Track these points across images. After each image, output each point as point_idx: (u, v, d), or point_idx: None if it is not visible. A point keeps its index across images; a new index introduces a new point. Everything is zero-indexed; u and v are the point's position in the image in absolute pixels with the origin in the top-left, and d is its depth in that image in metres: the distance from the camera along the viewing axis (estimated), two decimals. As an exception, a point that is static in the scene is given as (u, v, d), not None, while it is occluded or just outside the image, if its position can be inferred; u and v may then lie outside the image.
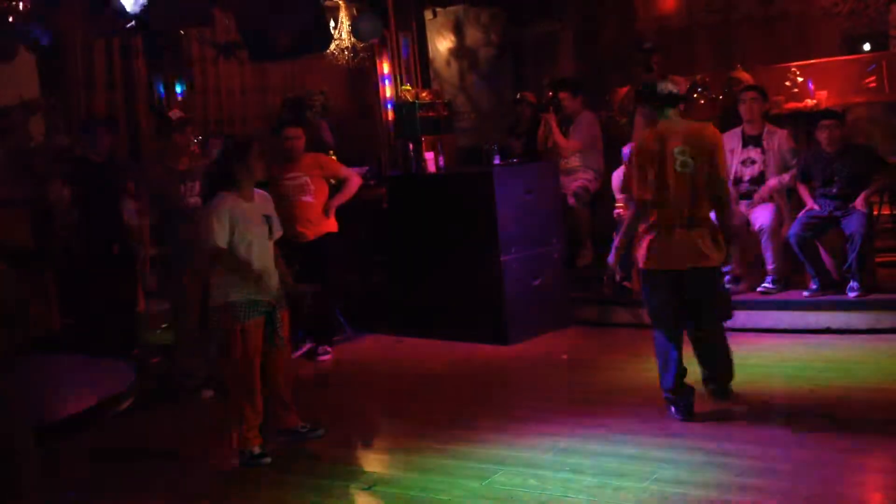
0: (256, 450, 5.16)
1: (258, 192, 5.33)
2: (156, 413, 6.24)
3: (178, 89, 8.97)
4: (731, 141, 7.26)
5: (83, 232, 6.90)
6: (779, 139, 7.21)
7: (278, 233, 5.36)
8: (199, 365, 6.61)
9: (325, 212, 7.30)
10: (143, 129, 9.22)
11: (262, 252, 5.19)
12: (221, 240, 5.07)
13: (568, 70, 10.27)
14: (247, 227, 5.13)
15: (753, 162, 7.23)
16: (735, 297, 7.05)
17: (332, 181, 7.48)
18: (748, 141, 7.26)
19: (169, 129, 6.69)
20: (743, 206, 7.25)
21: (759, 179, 7.22)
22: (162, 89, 8.94)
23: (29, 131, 7.56)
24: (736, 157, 7.25)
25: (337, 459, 5.20)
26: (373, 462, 5.18)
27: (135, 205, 7.18)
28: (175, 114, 6.55)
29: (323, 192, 7.34)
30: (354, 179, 7.45)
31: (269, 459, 5.14)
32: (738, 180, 7.27)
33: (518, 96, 9.54)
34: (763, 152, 7.22)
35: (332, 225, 7.35)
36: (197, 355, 6.61)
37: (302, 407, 5.54)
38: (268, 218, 5.28)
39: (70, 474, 5.24)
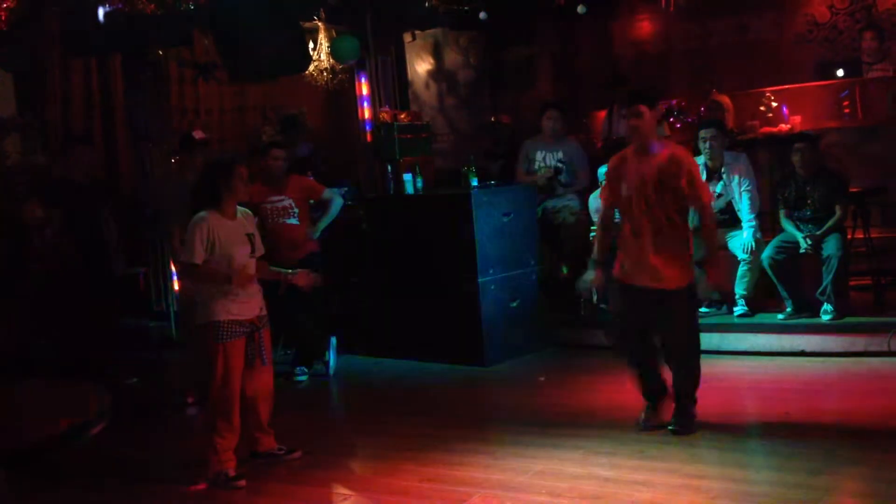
0: (231, 472, 5.12)
1: (240, 209, 5.33)
2: (130, 434, 6.18)
3: None
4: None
5: (61, 252, 6.84)
6: (739, 169, 7.23)
7: (260, 251, 5.36)
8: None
9: (311, 234, 7.29)
10: (121, 147, 9.20)
11: (244, 270, 5.19)
12: (197, 256, 5.08)
13: (545, 93, 10.34)
14: (228, 245, 5.14)
15: (719, 195, 7.28)
16: (710, 320, 7.12)
17: (312, 201, 7.48)
18: (711, 174, 7.29)
19: (192, 147, 6.84)
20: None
21: (725, 211, 7.26)
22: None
23: (5, 150, 7.51)
24: None
25: (312, 482, 5.17)
26: (349, 485, 5.14)
27: (114, 223, 7.15)
28: (199, 134, 6.70)
29: (306, 214, 7.33)
30: (337, 200, 7.45)
31: (243, 482, 5.10)
32: None
33: (493, 119, 9.56)
34: (725, 185, 7.26)
35: (314, 245, 7.34)
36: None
37: (278, 428, 5.50)
38: (250, 236, 5.29)
39: (41, 498, 5.19)
